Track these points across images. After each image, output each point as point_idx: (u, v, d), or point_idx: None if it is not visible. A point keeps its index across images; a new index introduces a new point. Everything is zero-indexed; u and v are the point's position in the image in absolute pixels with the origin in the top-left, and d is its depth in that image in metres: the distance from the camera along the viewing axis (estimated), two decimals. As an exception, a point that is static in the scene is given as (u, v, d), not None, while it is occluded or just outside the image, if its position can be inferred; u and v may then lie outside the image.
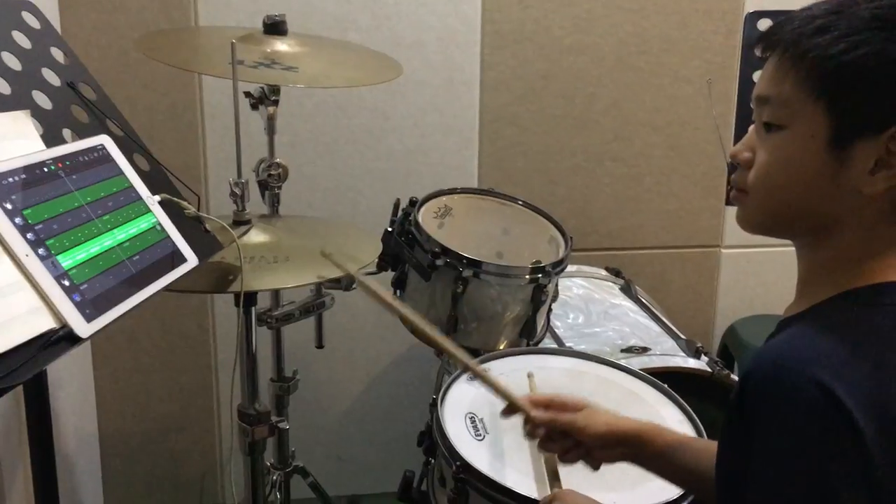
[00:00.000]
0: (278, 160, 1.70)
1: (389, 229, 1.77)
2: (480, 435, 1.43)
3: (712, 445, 1.15)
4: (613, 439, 1.20)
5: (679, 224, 2.51)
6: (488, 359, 1.63)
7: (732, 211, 2.58)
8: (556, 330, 1.95)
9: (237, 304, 1.31)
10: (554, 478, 1.25)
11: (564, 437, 1.22)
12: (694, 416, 1.51)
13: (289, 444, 1.79)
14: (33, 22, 1.16)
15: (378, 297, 1.19)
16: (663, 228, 2.51)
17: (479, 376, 1.28)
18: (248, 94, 1.65)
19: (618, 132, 2.41)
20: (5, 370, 0.78)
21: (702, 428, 1.48)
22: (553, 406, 1.23)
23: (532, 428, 1.23)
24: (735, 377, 1.76)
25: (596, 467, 1.26)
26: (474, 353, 1.74)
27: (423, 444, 2.07)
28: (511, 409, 1.25)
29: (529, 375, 1.52)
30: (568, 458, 1.25)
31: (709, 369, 1.76)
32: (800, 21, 0.91)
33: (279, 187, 1.72)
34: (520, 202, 1.91)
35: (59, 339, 0.89)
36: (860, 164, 0.86)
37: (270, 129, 1.68)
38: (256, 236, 1.39)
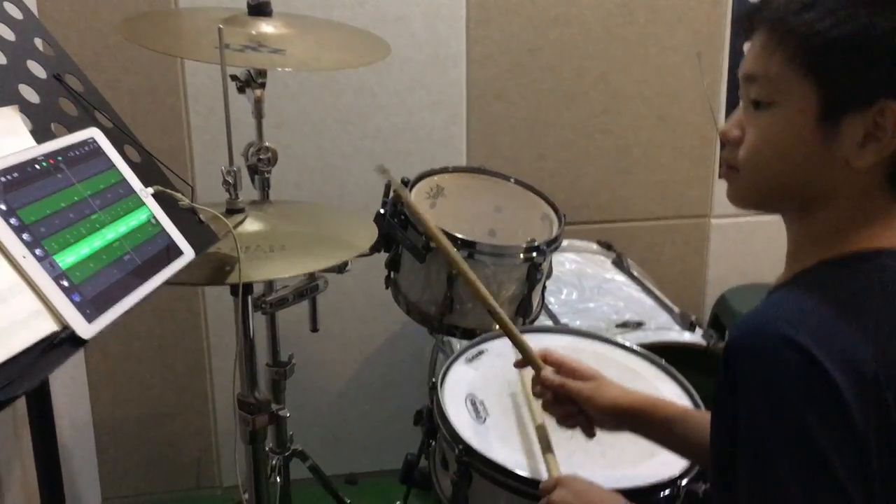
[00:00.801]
0: (267, 144, 1.68)
1: (382, 211, 1.76)
2: (481, 418, 1.43)
3: (705, 416, 1.17)
4: (616, 414, 1.23)
5: (668, 195, 2.51)
6: (486, 339, 1.63)
7: (722, 181, 2.59)
8: (551, 307, 1.95)
9: (234, 294, 1.30)
10: (546, 448, 1.26)
11: (569, 403, 1.25)
12: (692, 390, 1.52)
13: (286, 428, 1.79)
14: (15, 13, 1.13)
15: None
16: (653, 200, 2.51)
17: (503, 325, 1.30)
18: (234, 78, 1.62)
19: (606, 105, 2.40)
20: (8, 378, 0.76)
21: (700, 402, 1.49)
22: (564, 370, 1.26)
23: (541, 387, 1.26)
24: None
25: (591, 435, 1.28)
26: (471, 333, 1.75)
27: (422, 424, 2.08)
28: (525, 362, 1.29)
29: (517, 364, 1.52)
30: (567, 424, 1.28)
31: (704, 342, 1.77)
32: (782, 0, 0.90)
33: (269, 171, 1.70)
34: (512, 180, 1.90)
35: (62, 342, 0.87)
36: (849, 138, 0.87)
37: (258, 113, 1.65)
38: (251, 225, 1.37)
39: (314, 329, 1.89)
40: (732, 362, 0.87)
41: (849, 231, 0.91)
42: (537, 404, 1.31)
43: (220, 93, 1.40)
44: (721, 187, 2.49)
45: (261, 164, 1.67)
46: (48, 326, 0.87)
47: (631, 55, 2.37)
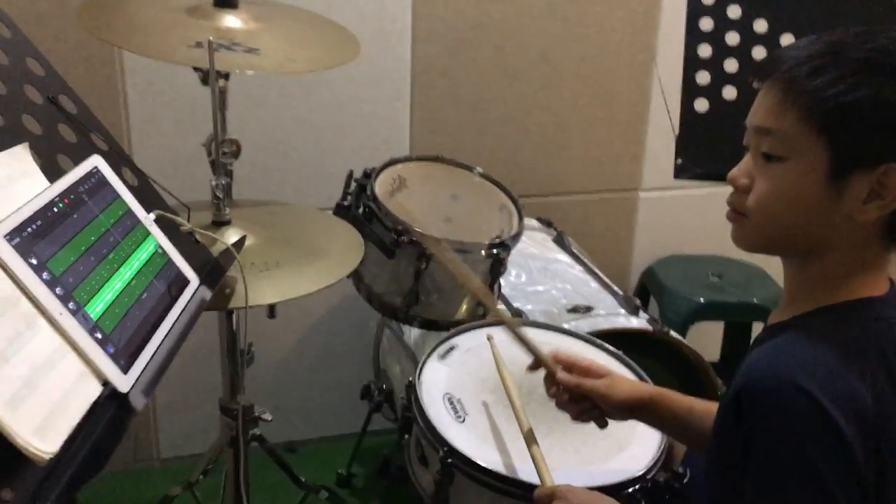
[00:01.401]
0: (231, 136, 1.64)
1: (345, 203, 1.76)
2: (461, 417, 1.49)
3: (709, 406, 1.28)
4: (631, 406, 1.32)
5: (601, 170, 2.60)
6: (455, 333, 1.68)
7: (651, 155, 2.70)
8: (502, 290, 2.01)
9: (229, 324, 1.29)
10: (538, 456, 1.33)
11: (584, 400, 1.33)
12: (648, 380, 1.62)
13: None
14: (5, 32, 1.07)
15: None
16: (586, 174, 2.59)
17: (513, 331, 1.37)
18: (197, 69, 1.57)
19: (546, 81, 2.44)
20: (81, 459, 0.76)
21: (657, 392, 1.59)
22: (577, 369, 1.34)
23: (556, 388, 1.34)
24: (674, 334, 1.88)
25: (604, 426, 1.37)
26: (434, 324, 1.79)
27: (369, 400, 2.13)
28: (537, 364, 1.36)
29: (489, 338, 1.59)
30: (582, 419, 1.36)
31: (650, 327, 1.88)
32: (796, 60, 0.98)
33: (231, 164, 1.67)
34: (476, 171, 1.93)
35: (106, 402, 0.87)
36: (855, 195, 0.95)
37: (222, 105, 1.61)
38: (235, 236, 1.36)
39: (271, 316, 1.88)
40: (746, 405, 0.96)
41: (846, 278, 1.00)
42: (521, 408, 1.38)
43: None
44: (650, 161, 2.61)
45: (224, 158, 1.63)
46: (94, 388, 0.86)
47: (571, 34, 2.42)
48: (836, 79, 0.93)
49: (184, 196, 1.42)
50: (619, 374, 1.58)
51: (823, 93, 0.94)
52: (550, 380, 1.35)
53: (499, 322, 1.38)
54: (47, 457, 0.74)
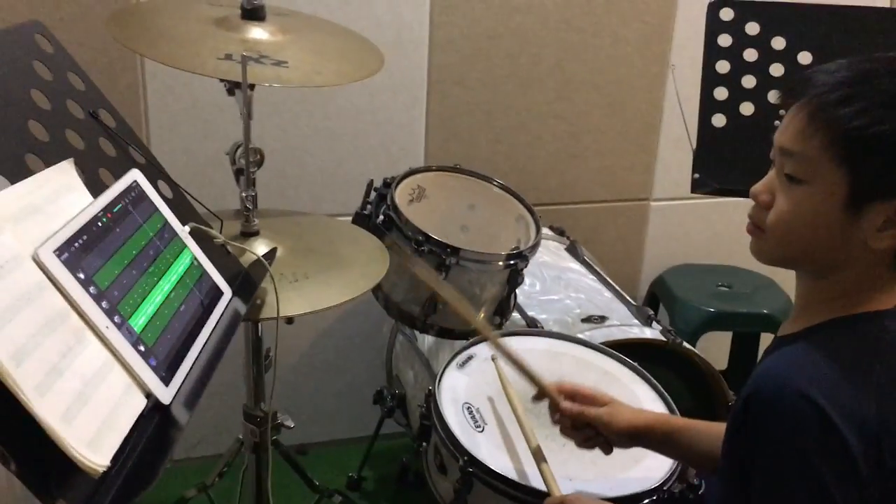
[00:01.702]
0: (255, 145, 1.66)
1: (365, 212, 1.78)
2: (480, 427, 1.51)
3: (710, 427, 1.31)
4: (631, 435, 1.35)
5: (613, 179, 2.62)
6: (473, 342, 1.70)
7: (662, 165, 2.72)
8: (516, 298, 2.03)
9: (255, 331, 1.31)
10: (547, 473, 1.36)
11: (587, 428, 1.37)
12: (665, 393, 1.64)
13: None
14: (47, 47, 1.09)
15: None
16: (599, 183, 2.61)
17: (515, 364, 1.40)
18: (223, 80, 1.59)
19: (560, 91, 2.47)
20: (126, 473, 0.78)
21: (672, 404, 1.62)
22: (579, 398, 1.37)
23: (560, 417, 1.37)
24: (687, 345, 1.90)
25: (609, 452, 1.40)
26: (450, 332, 1.82)
27: (382, 405, 2.16)
28: (541, 395, 1.39)
29: (494, 358, 1.61)
30: (586, 446, 1.39)
31: (664, 338, 1.90)
32: (825, 86, 0.99)
33: (254, 173, 1.69)
34: (495, 183, 1.95)
35: (150, 414, 0.89)
36: (871, 223, 0.98)
37: (248, 114, 1.63)
38: (263, 248, 1.38)
39: (290, 322, 1.90)
40: (753, 414, 1.00)
41: (856, 294, 1.03)
42: (529, 426, 1.40)
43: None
44: (661, 171, 2.63)
45: (249, 166, 1.65)
46: (139, 400, 0.89)
47: (585, 44, 2.44)
48: (861, 110, 0.95)
49: (206, 203, 1.45)
50: (629, 391, 1.62)
51: (848, 123, 0.96)
52: (553, 409, 1.38)
53: (522, 368, 1.40)
54: (101, 469, 0.76)
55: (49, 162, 0.96)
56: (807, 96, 1.01)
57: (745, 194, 1.72)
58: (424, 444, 1.59)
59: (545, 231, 2.38)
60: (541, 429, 1.46)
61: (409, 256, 1.50)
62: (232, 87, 1.61)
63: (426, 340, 2.08)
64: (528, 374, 1.38)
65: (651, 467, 1.47)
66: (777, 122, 1.70)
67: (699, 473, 1.49)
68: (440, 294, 1.46)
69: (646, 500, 1.40)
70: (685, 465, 1.42)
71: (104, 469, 0.77)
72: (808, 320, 1.06)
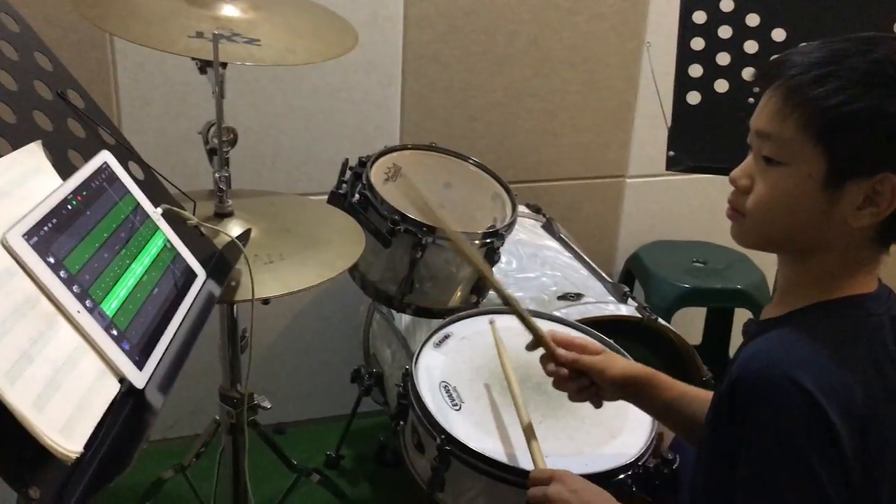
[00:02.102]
0: (229, 124, 1.65)
1: (341, 192, 1.77)
2: (457, 405, 1.51)
3: (698, 393, 1.32)
4: (626, 383, 1.35)
5: (589, 156, 2.63)
6: (450, 321, 1.70)
7: (638, 142, 2.72)
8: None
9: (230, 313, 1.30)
10: (531, 438, 1.37)
11: (581, 377, 1.36)
12: (640, 370, 1.65)
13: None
14: (13, 26, 1.07)
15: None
16: (575, 161, 2.62)
17: (515, 310, 1.40)
18: (195, 59, 1.57)
19: (536, 69, 2.46)
20: (105, 455, 0.78)
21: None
22: (574, 347, 1.37)
23: (555, 365, 1.37)
24: (662, 321, 1.92)
25: (599, 406, 1.41)
26: (427, 311, 1.82)
27: (359, 383, 2.16)
28: (537, 343, 1.38)
29: (491, 322, 1.62)
30: (580, 397, 1.39)
31: (639, 315, 1.91)
32: (799, 67, 1.00)
33: (227, 152, 1.67)
34: (471, 160, 1.95)
35: (124, 398, 0.88)
36: (850, 201, 0.99)
37: (220, 93, 1.61)
38: (239, 228, 1.37)
39: (266, 303, 1.90)
40: (740, 397, 1.00)
41: (839, 277, 1.04)
42: (523, 405, 1.41)
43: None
44: (636, 148, 2.64)
45: (222, 146, 1.63)
46: (112, 385, 0.88)
47: (561, 21, 2.43)
48: (836, 89, 0.96)
49: (179, 183, 1.43)
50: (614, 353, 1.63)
51: (823, 103, 0.96)
52: (548, 358, 1.37)
53: (501, 302, 1.40)
54: (74, 455, 0.76)
55: (16, 144, 0.94)
56: (781, 78, 1.01)
57: (719, 172, 1.74)
58: (402, 423, 1.60)
59: (521, 209, 2.38)
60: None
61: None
62: (204, 66, 1.59)
63: (403, 319, 2.08)
64: (529, 323, 1.38)
65: (626, 443, 1.48)
66: (751, 100, 1.73)
67: (673, 447, 1.50)
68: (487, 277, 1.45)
69: (621, 475, 1.41)
70: (668, 426, 1.43)
71: (77, 455, 0.76)
72: (792, 304, 1.07)
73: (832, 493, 0.93)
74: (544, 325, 1.74)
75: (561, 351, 1.36)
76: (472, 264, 1.48)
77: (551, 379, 1.39)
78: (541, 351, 1.39)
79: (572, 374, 1.37)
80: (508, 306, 1.40)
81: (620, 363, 1.37)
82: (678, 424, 1.40)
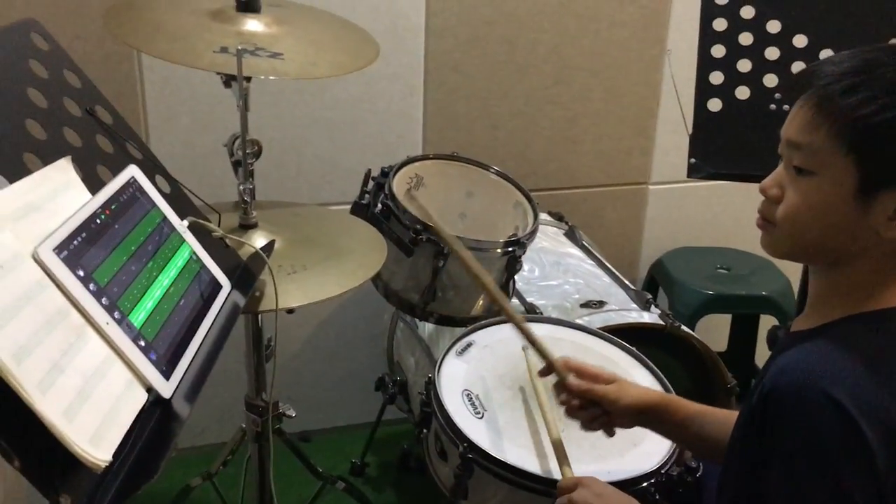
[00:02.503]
0: (253, 137, 1.67)
1: (363, 202, 1.79)
2: (479, 413, 1.52)
3: (715, 413, 1.32)
4: (640, 411, 1.35)
5: (611, 163, 2.63)
6: (472, 330, 1.72)
7: (660, 149, 2.72)
8: (515, 284, 2.05)
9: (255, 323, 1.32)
10: (563, 457, 1.37)
11: (593, 406, 1.36)
12: (663, 377, 1.66)
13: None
14: (42, 44, 1.10)
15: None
16: (597, 168, 2.62)
17: (528, 339, 1.40)
18: (220, 73, 1.60)
19: (557, 77, 2.47)
20: (128, 467, 0.80)
21: (671, 388, 1.63)
22: (586, 375, 1.37)
23: (567, 394, 1.37)
24: (685, 328, 1.92)
25: (611, 434, 1.40)
26: (450, 319, 1.83)
27: (384, 391, 2.18)
28: (549, 370, 1.39)
29: (525, 349, 1.62)
30: (592, 427, 1.39)
31: (662, 322, 1.91)
32: (830, 77, 0.99)
33: (252, 164, 1.70)
34: (492, 170, 1.96)
35: (151, 408, 0.90)
36: (881, 212, 0.98)
37: (245, 106, 1.64)
38: (262, 240, 1.39)
39: (290, 312, 1.92)
40: (772, 410, 0.99)
41: (872, 288, 1.03)
42: (552, 417, 1.42)
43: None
44: (659, 155, 2.63)
45: (247, 158, 1.66)
46: (140, 395, 0.90)
47: (582, 29, 2.44)
48: (867, 99, 0.95)
49: (205, 195, 1.46)
50: (629, 376, 1.63)
51: (854, 113, 0.95)
52: (560, 387, 1.38)
53: (515, 325, 1.41)
54: (103, 464, 0.78)
55: (47, 160, 0.97)
56: (812, 88, 1.00)
57: (741, 179, 1.74)
58: (425, 430, 1.61)
59: (544, 216, 2.39)
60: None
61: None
62: (228, 80, 1.62)
63: (426, 327, 2.10)
64: (541, 349, 1.38)
65: (649, 451, 1.48)
66: (773, 107, 1.73)
67: (696, 456, 1.50)
68: (489, 290, 1.46)
69: (644, 483, 1.41)
70: (684, 448, 1.43)
71: (106, 464, 0.78)
72: (824, 316, 1.06)
73: (858, 497, 0.93)
74: (567, 334, 1.76)
75: (573, 379, 1.36)
76: (482, 288, 1.48)
77: None
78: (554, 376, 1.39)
79: (584, 403, 1.37)
80: (521, 333, 1.40)
81: (633, 392, 1.36)
82: (694, 444, 1.39)
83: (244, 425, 1.81)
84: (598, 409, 1.36)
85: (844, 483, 0.92)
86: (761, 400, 1.00)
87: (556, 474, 1.36)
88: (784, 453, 0.97)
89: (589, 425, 1.38)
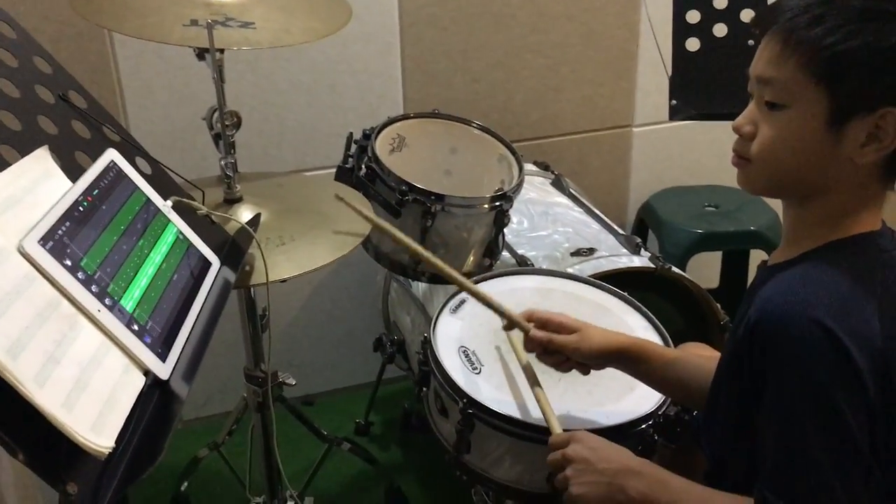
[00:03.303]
0: (231, 108, 1.66)
1: (348, 166, 1.79)
2: (476, 368, 1.54)
3: (686, 358, 1.34)
4: (604, 356, 1.38)
5: (594, 109, 2.62)
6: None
7: (642, 91, 2.71)
8: (505, 237, 2.05)
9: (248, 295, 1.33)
10: (534, 382, 1.41)
11: (558, 354, 1.40)
12: (656, 321, 1.67)
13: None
14: (10, 32, 1.08)
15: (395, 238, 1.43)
16: (580, 114, 2.61)
17: (480, 299, 1.43)
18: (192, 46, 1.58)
19: (534, 25, 2.45)
20: (132, 451, 0.81)
21: (664, 331, 1.65)
22: (550, 326, 1.39)
23: (530, 345, 1.41)
24: (676, 269, 1.93)
25: (586, 373, 1.43)
26: (439, 277, 1.84)
27: (381, 351, 2.20)
28: (511, 325, 1.43)
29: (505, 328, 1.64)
30: (562, 369, 1.42)
31: (652, 265, 1.93)
32: (795, 9, 1.00)
33: (233, 135, 1.69)
34: (474, 124, 1.95)
35: (150, 391, 0.91)
36: (853, 139, 0.99)
37: (220, 78, 1.62)
38: (248, 214, 1.39)
39: (283, 281, 1.93)
40: (760, 338, 1.02)
41: (847, 215, 1.05)
42: (520, 345, 1.45)
43: None
44: (641, 97, 2.63)
45: (226, 130, 1.65)
46: (138, 378, 0.91)
47: (556, -26, 2.41)
48: (833, 28, 0.96)
49: (188, 169, 1.45)
50: (621, 321, 1.65)
51: (821, 42, 0.96)
52: (525, 337, 1.41)
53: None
54: (106, 450, 0.79)
55: (24, 151, 0.96)
56: (778, 22, 1.01)
57: (723, 118, 1.74)
58: (424, 389, 1.63)
59: (530, 167, 2.39)
60: (536, 364, 1.49)
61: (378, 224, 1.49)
62: (202, 53, 1.60)
63: (420, 286, 2.11)
64: (495, 307, 1.41)
65: (645, 394, 1.50)
66: (751, 42, 1.72)
67: (675, 402, 1.52)
68: (417, 252, 1.48)
69: (643, 425, 1.44)
70: (662, 394, 1.46)
71: (110, 450, 0.79)
72: (801, 247, 1.08)
73: (855, 427, 0.95)
74: (559, 284, 1.77)
75: (535, 331, 1.38)
76: (416, 255, 1.52)
77: None
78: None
79: (549, 350, 1.40)
80: (472, 294, 1.44)
81: (597, 338, 1.37)
82: (672, 390, 1.42)
83: (245, 395, 1.83)
84: (561, 356, 1.39)
85: (836, 402, 0.95)
86: (748, 332, 1.03)
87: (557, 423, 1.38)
88: (775, 381, 1.00)
89: (559, 368, 1.41)
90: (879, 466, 0.98)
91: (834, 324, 0.95)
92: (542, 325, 1.41)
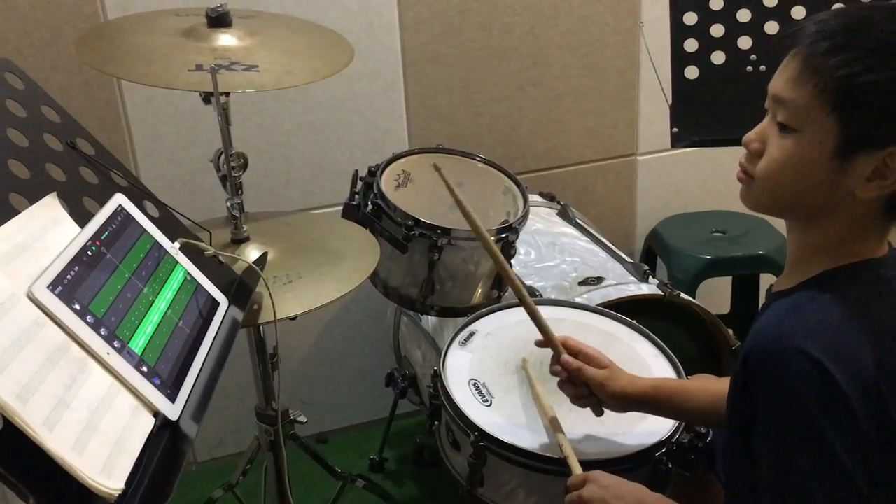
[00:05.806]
0: (238, 150, 1.68)
1: (353, 203, 1.80)
2: (487, 401, 1.54)
3: (703, 386, 1.34)
4: (625, 402, 1.39)
5: (598, 138, 2.64)
6: (473, 319, 1.73)
7: (645, 120, 2.73)
8: (513, 268, 2.06)
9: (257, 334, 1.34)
10: (556, 427, 1.41)
11: (582, 386, 1.40)
12: (665, 348, 1.67)
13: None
14: (17, 83, 1.11)
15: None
16: (584, 144, 2.63)
17: (529, 310, 1.44)
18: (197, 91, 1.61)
19: (535, 58, 2.47)
20: (142, 492, 0.81)
21: (674, 358, 1.64)
22: (581, 356, 1.41)
23: (559, 369, 1.41)
24: (684, 296, 1.93)
25: (599, 414, 1.44)
26: (451, 310, 1.85)
27: (394, 387, 2.20)
28: (545, 343, 1.43)
29: (525, 360, 1.64)
30: (579, 403, 1.43)
31: (661, 292, 1.92)
32: (817, 35, 0.99)
33: (239, 176, 1.71)
34: (478, 158, 1.97)
35: (160, 432, 0.92)
36: (859, 173, 0.99)
37: (226, 121, 1.65)
38: (255, 253, 1.41)
39: (293, 319, 1.94)
40: (753, 370, 1.02)
41: (847, 243, 1.05)
42: (546, 400, 1.45)
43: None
44: (644, 126, 2.64)
45: (233, 171, 1.67)
46: (147, 420, 0.92)
47: (556, 7, 2.44)
48: (852, 59, 0.95)
49: (197, 211, 1.47)
50: (631, 350, 1.65)
51: (838, 72, 0.96)
52: (554, 359, 1.42)
53: (532, 312, 1.44)
54: (116, 493, 0.79)
55: (33, 198, 0.98)
56: (802, 44, 1.01)
57: (725, 143, 1.75)
58: (436, 423, 1.63)
59: (536, 198, 2.40)
60: (551, 394, 1.49)
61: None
62: (207, 96, 1.63)
63: (429, 319, 2.11)
64: (542, 327, 1.43)
65: (658, 421, 1.50)
66: (749, 69, 1.73)
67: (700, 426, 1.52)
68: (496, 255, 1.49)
69: (657, 453, 1.43)
70: (689, 423, 1.46)
71: (119, 492, 0.80)
72: (803, 274, 1.08)
73: (845, 455, 0.95)
74: (568, 314, 1.78)
75: (566, 357, 1.40)
76: (496, 264, 1.52)
77: None
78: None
79: (574, 380, 1.40)
80: (524, 305, 1.43)
81: (623, 381, 1.39)
82: (697, 419, 1.43)
83: (258, 434, 1.83)
84: (585, 389, 1.40)
85: (825, 434, 0.95)
86: (743, 362, 1.03)
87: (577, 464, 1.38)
88: (765, 411, 1.00)
89: (576, 401, 1.42)
90: (877, 489, 0.97)
91: (821, 354, 0.95)
92: (573, 354, 1.42)
